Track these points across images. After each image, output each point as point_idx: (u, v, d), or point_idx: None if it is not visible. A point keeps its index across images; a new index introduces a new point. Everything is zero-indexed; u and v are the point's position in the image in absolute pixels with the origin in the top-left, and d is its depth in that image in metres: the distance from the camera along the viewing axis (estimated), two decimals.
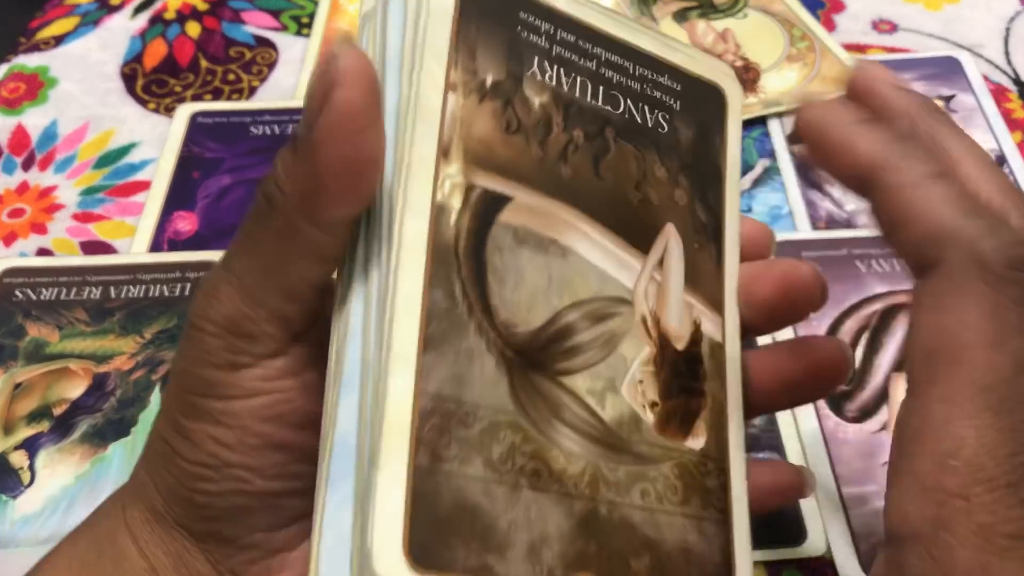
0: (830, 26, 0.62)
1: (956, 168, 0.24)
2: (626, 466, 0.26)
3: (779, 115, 0.56)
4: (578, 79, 0.29)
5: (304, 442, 0.26)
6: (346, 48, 0.23)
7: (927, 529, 0.21)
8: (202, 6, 0.66)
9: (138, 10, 0.66)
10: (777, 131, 0.55)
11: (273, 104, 0.59)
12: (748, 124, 0.56)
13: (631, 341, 0.28)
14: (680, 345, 0.29)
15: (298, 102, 0.59)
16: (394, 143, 0.25)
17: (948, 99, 0.57)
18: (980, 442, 0.21)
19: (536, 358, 0.26)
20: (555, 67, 0.28)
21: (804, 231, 0.50)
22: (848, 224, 0.50)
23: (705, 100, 0.32)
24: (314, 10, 0.66)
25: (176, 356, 0.27)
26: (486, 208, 0.26)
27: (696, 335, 0.29)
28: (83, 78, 0.62)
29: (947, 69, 0.58)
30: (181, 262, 0.49)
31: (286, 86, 0.61)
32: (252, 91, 0.60)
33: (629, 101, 0.30)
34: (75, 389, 0.45)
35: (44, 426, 0.43)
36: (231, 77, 0.61)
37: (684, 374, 0.28)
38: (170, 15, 0.66)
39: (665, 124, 0.31)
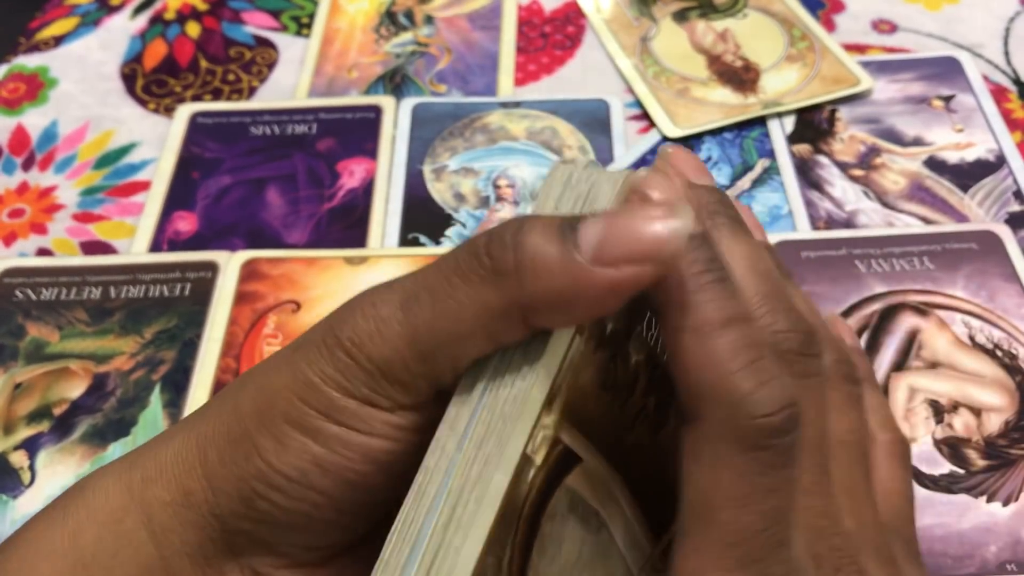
0: (830, 26, 0.62)
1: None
2: None
3: (778, 115, 0.56)
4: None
5: (393, 496, 0.24)
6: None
7: None
8: (202, 6, 0.66)
9: (138, 10, 0.66)
10: (777, 131, 0.55)
11: (273, 104, 0.59)
12: (748, 124, 0.56)
13: None
14: None
15: (298, 102, 0.59)
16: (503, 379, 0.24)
17: (948, 99, 0.57)
18: None
19: None
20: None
21: (804, 231, 0.50)
22: (848, 224, 0.51)
23: None
24: (314, 10, 0.66)
25: (300, 355, 0.25)
26: (559, 468, 0.24)
27: None
28: (83, 78, 0.62)
29: (947, 69, 0.59)
30: (181, 262, 0.49)
31: (286, 86, 0.61)
32: (252, 91, 0.60)
33: None
34: (75, 389, 0.45)
35: (44, 426, 0.43)
36: (231, 77, 0.61)
37: None
38: (170, 15, 0.66)
39: None
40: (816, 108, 0.56)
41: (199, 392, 0.44)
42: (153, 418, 0.43)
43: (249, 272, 0.48)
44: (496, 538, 0.22)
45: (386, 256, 0.49)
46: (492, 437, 0.23)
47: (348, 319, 0.24)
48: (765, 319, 0.24)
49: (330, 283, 0.48)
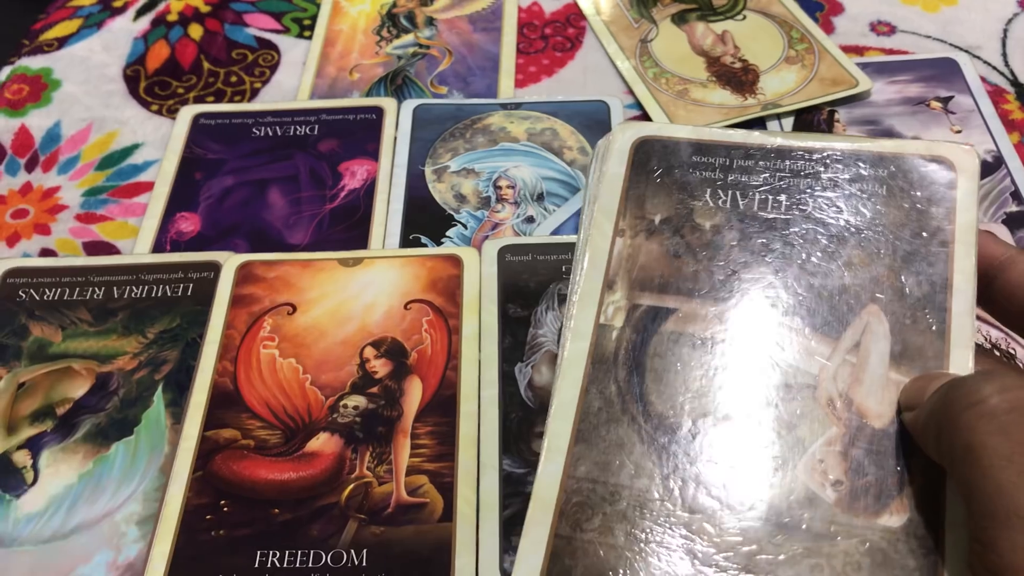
0: (828, 28, 0.62)
1: None
2: (794, 542, 0.27)
3: (777, 116, 0.56)
4: (756, 196, 0.33)
5: None
6: None
7: None
8: (204, 8, 0.67)
9: (141, 12, 0.67)
10: None
11: (275, 106, 0.59)
12: (747, 125, 0.56)
13: (811, 423, 0.29)
14: (880, 423, 0.29)
15: (300, 103, 0.59)
16: (570, 282, 0.32)
17: (946, 100, 0.57)
18: None
19: (691, 444, 0.29)
20: (729, 192, 0.34)
21: None
22: None
23: (923, 175, 0.33)
24: (316, 12, 0.66)
25: None
26: (648, 321, 0.31)
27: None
28: (86, 80, 0.62)
29: (945, 70, 0.59)
30: (184, 262, 0.50)
31: (288, 88, 0.61)
32: (254, 93, 0.61)
33: (817, 199, 0.33)
34: (78, 389, 0.45)
35: (47, 425, 0.44)
36: (233, 79, 0.62)
37: (882, 452, 0.29)
38: (173, 17, 0.66)
39: (863, 209, 0.33)
40: (815, 109, 0.57)
41: (197, 395, 0.44)
42: (156, 417, 0.44)
43: (244, 275, 0.49)
44: (594, 378, 0.30)
45: (381, 257, 0.49)
46: (570, 320, 0.31)
47: None
48: None
49: (325, 284, 0.48)
